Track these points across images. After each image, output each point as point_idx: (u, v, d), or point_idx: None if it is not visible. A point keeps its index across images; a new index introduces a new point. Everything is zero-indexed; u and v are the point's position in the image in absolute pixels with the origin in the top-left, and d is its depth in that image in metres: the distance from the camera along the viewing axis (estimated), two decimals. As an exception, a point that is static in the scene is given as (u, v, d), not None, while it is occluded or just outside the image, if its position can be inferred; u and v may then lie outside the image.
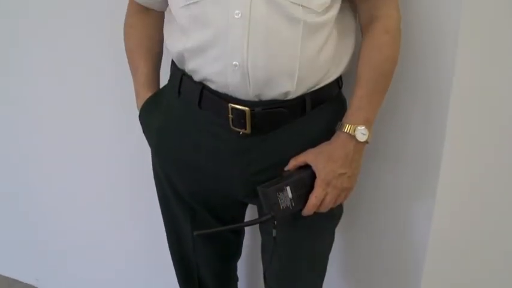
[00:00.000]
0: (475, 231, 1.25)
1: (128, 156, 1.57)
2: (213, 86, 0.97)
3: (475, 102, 1.12)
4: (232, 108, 0.95)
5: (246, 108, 0.95)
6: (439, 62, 1.10)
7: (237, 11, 0.89)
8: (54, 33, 1.53)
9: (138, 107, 1.13)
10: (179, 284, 1.32)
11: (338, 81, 1.05)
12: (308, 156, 0.98)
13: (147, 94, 1.11)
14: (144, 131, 1.12)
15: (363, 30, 1.04)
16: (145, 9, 1.12)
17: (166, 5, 1.07)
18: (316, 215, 1.00)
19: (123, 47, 1.17)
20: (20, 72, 1.65)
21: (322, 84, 0.99)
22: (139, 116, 1.12)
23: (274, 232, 1.01)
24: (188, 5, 0.95)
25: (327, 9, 0.95)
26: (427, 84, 1.14)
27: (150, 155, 1.15)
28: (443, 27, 1.08)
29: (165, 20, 1.11)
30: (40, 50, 1.58)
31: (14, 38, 1.61)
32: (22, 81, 1.66)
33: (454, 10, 1.04)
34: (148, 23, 1.13)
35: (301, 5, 0.91)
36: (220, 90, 0.96)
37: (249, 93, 0.94)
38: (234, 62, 0.91)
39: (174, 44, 1.01)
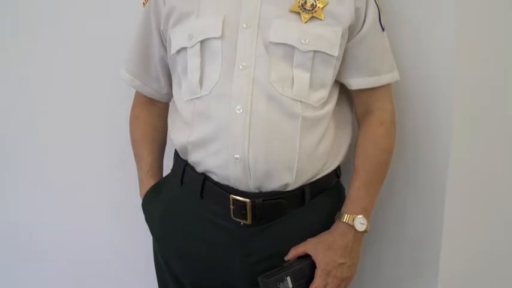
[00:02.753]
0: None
1: (130, 243, 1.55)
2: (215, 178, 1.00)
3: (470, 184, 1.15)
4: (234, 199, 0.98)
5: (247, 200, 0.97)
6: (434, 146, 1.14)
7: (238, 107, 0.94)
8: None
9: (141, 195, 1.15)
10: None
11: (336, 171, 1.07)
12: (308, 246, 0.99)
13: (150, 183, 1.14)
14: (146, 220, 1.13)
15: (358, 122, 1.08)
16: (151, 101, 1.17)
17: (172, 96, 1.12)
18: (317, 305, 0.99)
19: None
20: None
21: (320, 175, 1.02)
22: (142, 205, 1.14)
23: (274, 323, 1.00)
24: (192, 99, 1.00)
25: (325, 103, 1.00)
26: (422, 167, 1.17)
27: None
28: (438, 112, 1.12)
29: (169, 110, 1.16)
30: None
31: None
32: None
33: (449, 93, 1.09)
34: (153, 113, 1.18)
35: (300, 101, 0.96)
36: (222, 181, 0.99)
37: (249, 185, 0.97)
38: (235, 156, 0.95)
39: (178, 136, 1.05)
